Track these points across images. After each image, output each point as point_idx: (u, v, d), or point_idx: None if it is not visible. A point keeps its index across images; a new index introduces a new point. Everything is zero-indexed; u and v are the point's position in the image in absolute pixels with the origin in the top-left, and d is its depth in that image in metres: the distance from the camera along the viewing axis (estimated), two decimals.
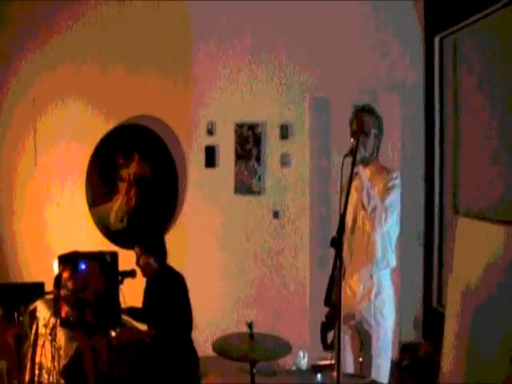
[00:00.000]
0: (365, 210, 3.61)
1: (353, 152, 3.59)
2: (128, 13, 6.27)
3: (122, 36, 6.31)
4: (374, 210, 3.56)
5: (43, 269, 5.52)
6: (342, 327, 3.72)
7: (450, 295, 5.10)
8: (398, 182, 3.73)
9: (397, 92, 6.26)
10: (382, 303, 3.77)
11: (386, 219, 3.61)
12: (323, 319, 3.88)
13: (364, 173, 3.67)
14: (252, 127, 6.30)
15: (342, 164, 3.52)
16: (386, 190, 3.65)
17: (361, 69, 6.22)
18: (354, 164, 3.48)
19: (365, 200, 3.59)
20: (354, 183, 3.61)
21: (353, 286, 3.78)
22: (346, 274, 3.80)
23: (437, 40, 6.16)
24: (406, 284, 6.00)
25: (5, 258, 6.23)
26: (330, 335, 3.85)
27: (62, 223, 6.28)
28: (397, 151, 6.21)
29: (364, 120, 3.80)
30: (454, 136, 5.92)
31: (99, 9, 6.30)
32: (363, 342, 3.82)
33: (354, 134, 3.79)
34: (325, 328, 3.86)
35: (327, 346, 3.85)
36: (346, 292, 3.75)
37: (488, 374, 4.33)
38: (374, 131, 3.80)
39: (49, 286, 4.61)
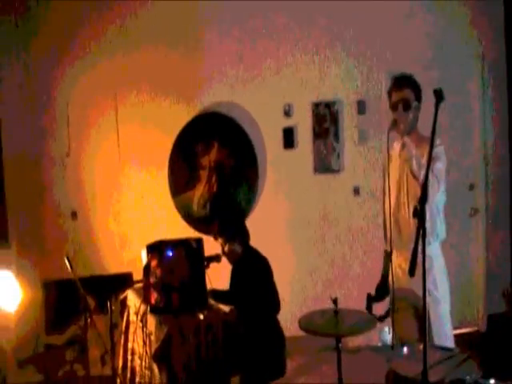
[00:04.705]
0: (416, 179, 3.55)
1: (395, 125, 3.66)
2: None
3: (195, 22, 6.36)
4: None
5: (128, 259, 5.73)
6: (401, 304, 3.72)
7: None
8: (441, 148, 3.68)
9: (477, 60, 6.08)
10: (435, 278, 3.73)
11: (438, 187, 3.58)
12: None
13: (411, 143, 3.65)
14: (328, 105, 6.25)
15: (388, 138, 3.59)
16: (432, 159, 3.56)
17: (437, 39, 6.07)
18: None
19: (415, 169, 3.54)
20: (401, 155, 3.61)
21: (402, 263, 3.71)
22: (395, 251, 3.80)
23: None
24: (493, 253, 5.88)
25: (89, 251, 6.40)
26: (377, 307, 3.85)
27: (146, 214, 6.41)
28: (477, 111, 6.06)
29: (404, 93, 3.77)
30: None
31: None
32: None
33: (394, 107, 3.79)
34: (370, 300, 3.87)
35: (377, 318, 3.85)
36: (397, 271, 3.75)
37: None
38: (414, 104, 3.78)
39: (136, 275, 4.78)
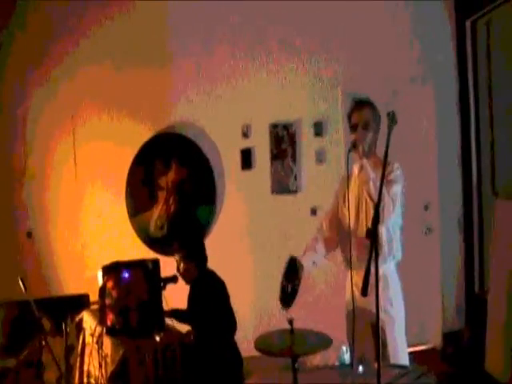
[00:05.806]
0: (373, 202, 3.58)
1: (355, 146, 3.71)
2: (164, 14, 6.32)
3: (155, 43, 6.37)
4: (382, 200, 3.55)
5: (86, 280, 5.64)
6: (360, 324, 3.71)
7: (492, 280, 5.01)
8: (399, 172, 3.75)
9: (431, 79, 6.22)
10: (391, 297, 3.79)
11: (393, 209, 3.62)
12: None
13: (369, 166, 3.70)
14: (286, 127, 6.30)
15: (348, 159, 3.64)
16: (389, 182, 3.62)
17: (392, 59, 6.19)
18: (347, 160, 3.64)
19: (372, 192, 3.59)
20: (359, 177, 3.68)
21: (359, 282, 3.74)
22: (352, 271, 3.86)
23: (468, 24, 6.10)
24: (446, 271, 5.97)
25: (45, 272, 6.30)
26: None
27: (103, 234, 6.34)
28: (432, 135, 6.17)
29: (363, 114, 3.84)
30: (490, 117, 5.84)
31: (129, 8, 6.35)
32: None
33: (353, 128, 3.86)
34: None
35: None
36: (353, 291, 3.75)
37: None
38: (373, 125, 3.84)
39: (94, 297, 4.73)
